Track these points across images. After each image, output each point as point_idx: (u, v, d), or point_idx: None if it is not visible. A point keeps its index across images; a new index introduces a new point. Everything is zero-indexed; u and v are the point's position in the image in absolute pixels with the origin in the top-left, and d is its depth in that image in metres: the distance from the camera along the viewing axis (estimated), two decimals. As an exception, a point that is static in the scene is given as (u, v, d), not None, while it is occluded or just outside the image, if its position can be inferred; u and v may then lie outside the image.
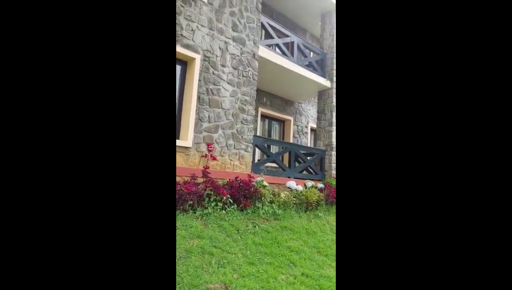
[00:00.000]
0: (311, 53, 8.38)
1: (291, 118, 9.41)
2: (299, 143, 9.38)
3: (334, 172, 7.44)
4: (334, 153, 7.65)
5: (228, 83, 5.24)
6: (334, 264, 3.33)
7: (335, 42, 8.06)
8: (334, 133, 7.73)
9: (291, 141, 9.16)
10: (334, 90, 7.96)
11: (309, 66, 7.72)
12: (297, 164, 7.06)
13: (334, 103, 7.92)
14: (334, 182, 6.59)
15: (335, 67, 8.02)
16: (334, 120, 7.82)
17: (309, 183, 5.92)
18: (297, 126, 9.61)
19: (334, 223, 4.87)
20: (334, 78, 7.98)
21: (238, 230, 3.62)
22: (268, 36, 6.89)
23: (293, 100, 9.47)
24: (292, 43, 7.24)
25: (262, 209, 4.37)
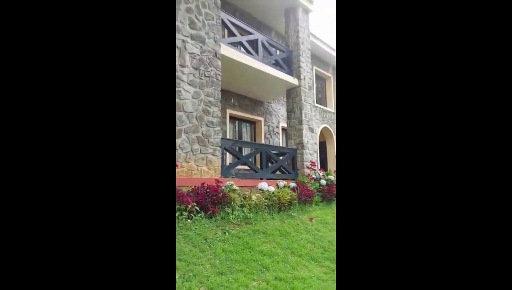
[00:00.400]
0: (277, 51, 8.30)
1: (262, 119, 9.28)
2: (271, 144, 9.26)
3: (306, 170, 7.39)
4: (305, 151, 7.61)
5: (189, 84, 4.97)
6: (308, 264, 3.21)
7: (300, 38, 8.05)
8: (304, 132, 7.71)
9: (263, 142, 9.02)
10: (302, 88, 7.95)
11: (276, 64, 7.61)
12: (269, 165, 6.92)
13: (303, 101, 7.91)
14: (306, 180, 6.51)
15: (301, 64, 8.01)
16: (303, 118, 7.80)
17: (281, 183, 5.79)
18: (268, 126, 9.50)
19: (308, 222, 4.76)
20: (302, 76, 7.96)
21: (206, 239, 3.39)
22: (231, 34, 6.68)
23: (262, 100, 9.34)
24: (256, 40, 7.07)
25: (232, 214, 4.16)
